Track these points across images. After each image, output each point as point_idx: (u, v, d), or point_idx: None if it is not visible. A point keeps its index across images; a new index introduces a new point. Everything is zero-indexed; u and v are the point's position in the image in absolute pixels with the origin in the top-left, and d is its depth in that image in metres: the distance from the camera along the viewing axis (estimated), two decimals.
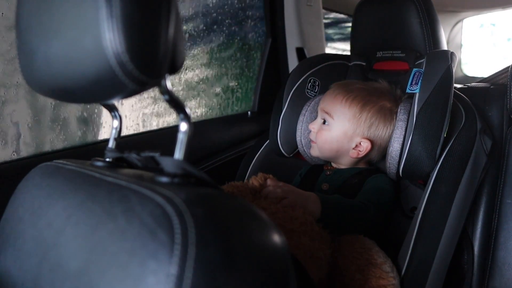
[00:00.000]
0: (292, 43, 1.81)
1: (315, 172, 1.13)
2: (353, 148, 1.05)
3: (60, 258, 0.48)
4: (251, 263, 0.40)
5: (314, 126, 1.08)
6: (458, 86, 1.22)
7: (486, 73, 1.77)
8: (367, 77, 1.19)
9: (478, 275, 1.11)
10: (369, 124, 1.03)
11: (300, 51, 1.81)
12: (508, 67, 1.16)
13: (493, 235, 1.11)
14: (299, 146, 1.17)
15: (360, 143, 1.04)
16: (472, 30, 3.12)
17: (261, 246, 0.42)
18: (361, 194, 0.99)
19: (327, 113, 1.05)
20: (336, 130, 1.04)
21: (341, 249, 0.86)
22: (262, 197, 0.90)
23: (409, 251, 0.91)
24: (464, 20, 3.01)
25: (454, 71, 1.01)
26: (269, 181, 0.93)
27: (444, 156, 0.97)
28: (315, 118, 1.13)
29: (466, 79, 2.94)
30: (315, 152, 1.10)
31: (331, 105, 1.05)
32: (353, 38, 1.27)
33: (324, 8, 1.98)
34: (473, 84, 1.30)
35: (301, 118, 1.16)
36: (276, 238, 0.43)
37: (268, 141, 1.26)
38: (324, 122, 1.06)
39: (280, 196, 0.87)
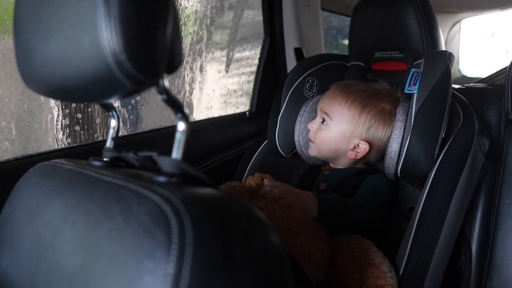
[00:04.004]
0: (290, 43, 1.81)
1: (313, 172, 1.12)
2: (351, 149, 1.05)
3: (57, 258, 0.48)
4: (249, 262, 0.40)
5: (313, 125, 1.09)
6: (456, 86, 1.22)
7: (483, 75, 1.77)
8: (365, 78, 1.19)
9: (476, 275, 1.11)
10: (368, 126, 1.03)
11: (298, 52, 1.81)
12: (506, 67, 1.16)
13: (491, 235, 1.11)
14: (297, 146, 1.17)
15: (358, 145, 1.04)
16: (470, 38, 3.11)
17: (258, 246, 0.42)
18: (359, 194, 0.99)
19: (326, 113, 1.05)
20: (334, 130, 1.04)
21: (339, 249, 0.86)
22: (259, 197, 0.90)
23: (407, 251, 0.91)
24: (463, 24, 3.01)
25: (452, 71, 1.01)
26: (266, 181, 0.93)
27: (442, 156, 0.97)
28: (314, 118, 1.13)
29: (464, 79, 2.94)
30: (313, 152, 1.10)
31: (330, 105, 1.05)
32: (351, 39, 1.27)
33: (322, 8, 1.99)
34: (471, 84, 1.30)
35: (299, 118, 1.16)
36: (274, 237, 0.43)
37: (266, 141, 1.26)
38: (323, 122, 1.07)
39: (277, 196, 0.87)
